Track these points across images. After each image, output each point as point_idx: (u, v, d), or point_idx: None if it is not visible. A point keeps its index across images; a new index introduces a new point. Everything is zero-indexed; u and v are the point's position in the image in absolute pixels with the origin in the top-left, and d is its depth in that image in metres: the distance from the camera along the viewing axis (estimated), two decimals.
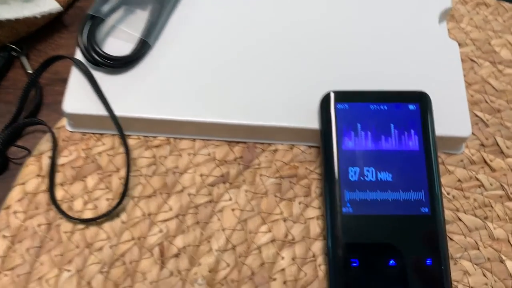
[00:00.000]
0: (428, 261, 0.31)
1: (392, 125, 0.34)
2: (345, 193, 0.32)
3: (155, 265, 0.33)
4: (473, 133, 0.38)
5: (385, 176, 0.33)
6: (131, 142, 0.36)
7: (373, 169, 0.33)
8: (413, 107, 0.34)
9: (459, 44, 0.41)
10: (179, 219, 0.34)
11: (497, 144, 0.38)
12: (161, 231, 0.34)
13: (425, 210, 0.32)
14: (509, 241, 0.35)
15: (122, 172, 0.35)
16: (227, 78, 0.37)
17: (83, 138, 0.37)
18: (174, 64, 0.37)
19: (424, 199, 0.32)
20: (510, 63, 0.41)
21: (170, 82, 0.36)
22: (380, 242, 0.31)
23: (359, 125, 0.34)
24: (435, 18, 0.39)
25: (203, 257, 0.33)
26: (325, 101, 0.35)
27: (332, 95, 0.34)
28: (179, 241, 0.33)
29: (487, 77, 0.40)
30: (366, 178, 0.33)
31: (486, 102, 0.39)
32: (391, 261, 0.31)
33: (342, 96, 0.35)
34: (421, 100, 0.34)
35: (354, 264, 0.31)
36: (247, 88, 0.36)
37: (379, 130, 0.34)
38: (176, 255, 0.33)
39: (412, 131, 0.34)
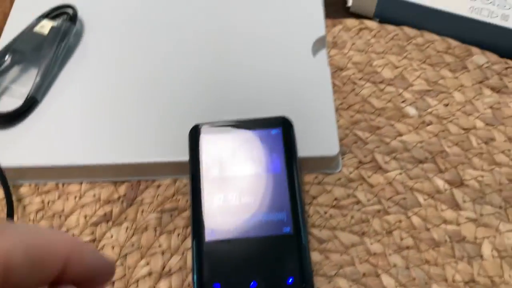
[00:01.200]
0: (289, 280, 0.31)
1: (256, 151, 0.35)
2: (209, 219, 0.33)
3: None
4: (351, 152, 0.39)
5: (249, 200, 0.34)
6: (23, 190, 0.39)
7: (236, 194, 0.34)
8: (276, 131, 0.36)
9: (341, 69, 0.43)
10: None
11: (375, 160, 0.39)
12: None
13: (287, 229, 0.33)
14: (385, 255, 0.35)
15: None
16: (108, 123, 0.39)
17: None
18: (60, 116, 0.40)
19: (285, 219, 0.33)
20: (391, 81, 0.42)
21: (57, 131, 0.39)
22: (243, 264, 0.32)
23: (224, 153, 0.35)
24: (308, 47, 0.41)
25: None
26: (193, 133, 0.36)
27: (198, 127, 0.36)
28: None
29: (368, 97, 0.42)
30: (229, 202, 0.34)
31: (366, 121, 0.40)
32: (252, 283, 0.32)
33: (208, 127, 0.36)
34: (283, 124, 0.36)
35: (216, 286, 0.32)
36: (126, 128, 0.39)
37: (243, 156, 0.35)
38: None
39: (274, 155, 0.35)
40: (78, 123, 0.39)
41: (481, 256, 0.34)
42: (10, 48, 0.41)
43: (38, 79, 0.40)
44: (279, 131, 0.36)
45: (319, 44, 0.42)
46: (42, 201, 0.38)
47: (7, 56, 0.41)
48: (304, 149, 0.36)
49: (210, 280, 0.32)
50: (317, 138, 0.37)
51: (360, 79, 0.43)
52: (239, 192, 0.34)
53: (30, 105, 0.39)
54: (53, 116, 0.40)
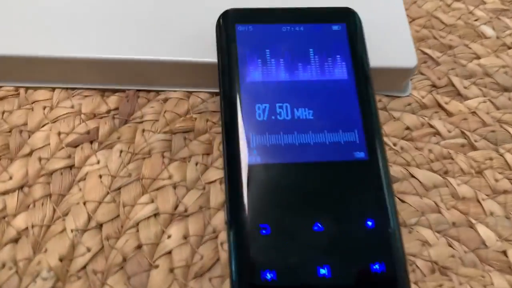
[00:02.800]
0: (368, 223, 0.22)
1: (311, 50, 0.25)
2: (251, 137, 0.23)
3: None
4: (421, 73, 0.30)
5: (304, 113, 0.24)
6: None
7: (288, 105, 0.24)
8: (338, 27, 0.26)
9: None
10: (23, 192, 0.24)
11: (453, 84, 0.30)
12: None
13: (360, 154, 0.23)
14: (478, 200, 0.26)
15: None
16: (96, 1, 0.28)
17: None
18: None
19: (358, 141, 0.23)
20: None
21: (16, 5, 0.27)
22: (300, 199, 0.22)
23: (267, 51, 0.25)
24: None
25: (53, 240, 0.23)
26: (221, 22, 0.26)
27: (230, 14, 0.26)
28: (20, 221, 0.23)
29: (434, 11, 0.33)
30: (278, 117, 0.24)
31: (435, 38, 0.32)
32: (316, 225, 0.22)
33: (244, 15, 0.26)
34: (348, 19, 0.26)
35: (264, 232, 0.21)
36: (125, 13, 0.27)
37: (294, 56, 0.25)
38: (15, 240, 0.23)
39: (338, 57, 0.25)
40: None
41: None
42: None
43: None
44: (343, 26, 0.26)
45: None
46: None
47: None
48: (370, 59, 0.27)
49: (255, 221, 0.21)
50: (387, 45, 0.27)
51: None
52: (291, 103, 0.24)
53: None
54: None
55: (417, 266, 0.24)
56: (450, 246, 0.24)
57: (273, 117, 0.24)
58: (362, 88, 0.24)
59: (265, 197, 0.22)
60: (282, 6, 0.26)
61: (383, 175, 0.23)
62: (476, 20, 0.33)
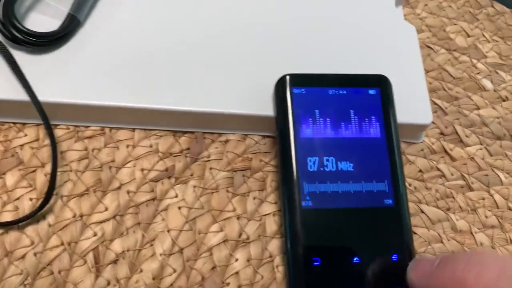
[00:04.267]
0: (394, 257, 0.29)
1: (351, 111, 0.31)
2: (304, 185, 0.29)
3: (89, 273, 0.28)
4: (432, 122, 0.36)
5: (346, 166, 0.30)
6: (58, 132, 0.32)
7: (333, 159, 0.30)
8: (374, 91, 0.32)
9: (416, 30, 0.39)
10: (117, 220, 0.30)
11: (457, 133, 0.36)
12: (95, 234, 0.29)
13: (388, 202, 0.30)
14: (471, 233, 0.33)
15: (48, 168, 0.30)
16: (171, 60, 0.33)
17: (1, 128, 0.31)
18: (108, 44, 0.32)
19: (387, 190, 0.30)
20: (465, 51, 0.40)
21: (104, 63, 0.32)
22: (343, 237, 0.29)
23: (317, 111, 0.31)
24: (391, 1, 0.37)
25: (146, 262, 0.29)
26: (280, 85, 0.31)
27: (287, 79, 0.31)
28: (117, 246, 0.29)
29: (444, 64, 0.39)
30: (325, 168, 0.30)
31: (444, 89, 0.38)
32: (355, 258, 0.28)
33: (299, 80, 0.32)
34: (382, 84, 0.32)
35: (316, 263, 0.28)
36: (194, 71, 0.32)
37: (338, 116, 0.31)
38: (114, 262, 0.29)
39: (373, 118, 0.31)
40: (132, 57, 0.32)
41: None
42: None
43: None
44: (377, 91, 0.32)
45: (398, 2, 0.38)
46: (86, 148, 0.31)
47: None
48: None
49: (309, 255, 0.28)
50: (408, 104, 0.33)
51: (434, 44, 0.40)
52: (335, 156, 0.30)
53: (71, 26, 0.32)
54: (100, 43, 0.32)
55: None
56: None
57: (321, 168, 0.30)
58: (391, 145, 0.31)
59: (316, 235, 0.28)
60: (329, 72, 0.32)
61: (406, 219, 0.29)
62: (478, 73, 0.39)
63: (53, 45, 0.31)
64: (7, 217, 0.29)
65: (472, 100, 0.38)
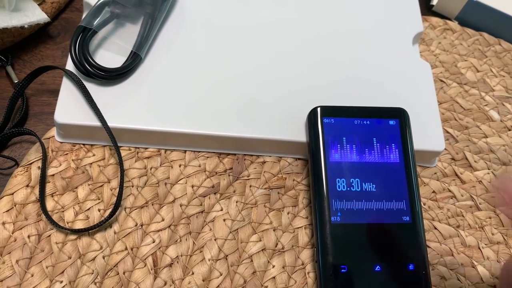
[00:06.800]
0: (410, 266, 0.33)
1: (374, 139, 0.36)
2: (333, 203, 0.34)
3: (149, 275, 0.33)
4: (445, 148, 0.41)
5: (369, 186, 0.35)
6: (122, 153, 0.37)
7: (359, 180, 0.35)
8: (393, 122, 0.37)
9: (430, 66, 0.44)
10: (171, 229, 0.35)
11: (466, 158, 0.41)
12: (153, 241, 0.34)
13: (406, 218, 0.34)
14: (479, 248, 0.37)
15: (113, 183, 0.36)
16: (217, 90, 0.38)
17: (73, 149, 0.37)
18: (165, 76, 0.38)
19: (405, 208, 0.34)
20: (474, 84, 0.45)
21: (161, 94, 0.37)
22: (367, 249, 0.33)
23: (344, 139, 0.36)
24: (409, 41, 0.42)
25: (196, 266, 0.34)
26: (312, 115, 0.36)
27: (319, 110, 0.36)
28: (171, 251, 0.34)
29: (455, 97, 0.44)
30: (352, 188, 0.35)
31: (455, 119, 0.43)
32: (377, 267, 0.33)
33: (329, 111, 0.37)
34: (401, 116, 0.37)
35: (343, 271, 0.33)
36: (237, 101, 0.38)
37: (362, 143, 0.36)
38: (169, 265, 0.34)
39: (393, 145, 0.36)
40: (184, 88, 0.37)
41: None
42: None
43: (140, 35, 0.38)
44: (397, 122, 0.37)
45: (415, 41, 0.43)
46: (145, 167, 0.36)
47: (107, 7, 0.38)
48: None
49: (337, 262, 0.33)
50: (424, 133, 0.38)
51: (447, 78, 0.45)
52: (360, 178, 0.35)
53: (134, 62, 0.37)
54: (158, 76, 0.38)
55: None
56: (459, 280, 0.36)
57: (348, 189, 0.35)
58: (409, 169, 0.35)
59: (343, 246, 0.33)
60: (354, 104, 0.37)
61: (421, 233, 0.34)
62: (486, 105, 0.44)
63: (119, 78, 0.37)
64: (79, 224, 0.34)
65: (480, 129, 0.42)
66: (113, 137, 0.35)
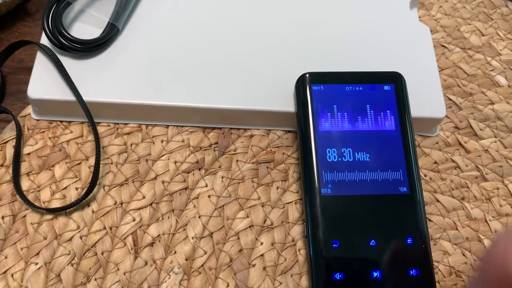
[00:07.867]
0: (408, 240, 0.31)
1: (367, 106, 0.34)
2: (323, 174, 0.32)
3: (129, 254, 0.31)
4: (447, 116, 0.38)
5: (363, 156, 0.32)
6: (100, 129, 0.35)
7: (351, 150, 0.32)
8: (388, 87, 0.34)
9: (430, 31, 0.41)
10: (153, 207, 0.33)
11: (471, 127, 0.38)
12: (134, 220, 0.32)
13: (403, 189, 0.32)
14: (486, 221, 0.35)
15: (91, 161, 0.34)
16: (200, 61, 0.36)
17: (50, 126, 0.35)
18: (144, 48, 0.36)
19: (402, 179, 0.32)
20: (479, 49, 0.42)
21: (140, 66, 0.35)
22: (360, 222, 0.31)
23: (335, 106, 0.33)
24: (406, 4, 0.40)
25: (179, 245, 0.32)
26: (300, 82, 0.34)
27: (307, 77, 0.34)
28: (153, 230, 0.32)
29: (458, 62, 0.41)
30: (343, 159, 0.32)
31: (459, 86, 0.40)
32: (372, 241, 0.30)
33: (317, 77, 0.34)
34: (396, 80, 0.34)
35: (335, 245, 0.30)
36: (221, 71, 0.35)
37: (355, 110, 0.33)
38: (151, 244, 0.32)
39: (388, 112, 0.34)
40: (165, 59, 0.35)
41: None
42: None
43: (118, 5, 0.36)
44: (392, 87, 0.34)
45: (413, 4, 0.40)
46: (125, 143, 0.35)
47: None
48: (411, 109, 0.35)
49: (328, 237, 0.30)
50: (423, 99, 0.35)
51: (449, 43, 0.42)
52: (352, 147, 0.33)
53: (111, 33, 0.35)
54: (137, 47, 0.36)
55: (439, 269, 0.33)
56: (464, 255, 0.33)
57: (339, 159, 0.32)
58: (405, 137, 0.33)
59: (335, 220, 0.31)
60: (345, 70, 0.35)
61: (420, 205, 0.31)
62: (492, 70, 0.41)
63: (95, 50, 0.35)
64: (56, 204, 0.32)
65: (486, 95, 0.39)
66: (88, 111, 0.33)
